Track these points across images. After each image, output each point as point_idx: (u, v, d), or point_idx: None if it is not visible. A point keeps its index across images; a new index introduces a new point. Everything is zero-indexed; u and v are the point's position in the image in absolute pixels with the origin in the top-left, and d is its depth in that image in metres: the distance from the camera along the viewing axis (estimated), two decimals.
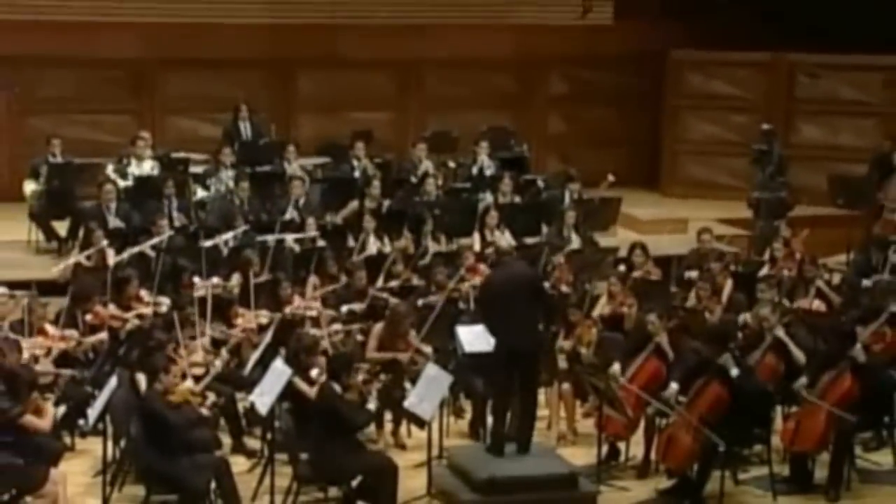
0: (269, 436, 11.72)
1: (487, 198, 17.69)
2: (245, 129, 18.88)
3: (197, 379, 11.81)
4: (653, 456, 12.18)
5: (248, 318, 13.64)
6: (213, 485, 10.94)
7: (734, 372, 11.71)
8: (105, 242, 15.34)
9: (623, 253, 16.11)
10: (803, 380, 12.27)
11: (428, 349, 13.07)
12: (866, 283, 15.64)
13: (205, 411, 11.30)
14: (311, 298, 14.26)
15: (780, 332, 12.74)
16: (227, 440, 12.32)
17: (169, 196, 16.83)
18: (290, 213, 16.82)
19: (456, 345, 12.90)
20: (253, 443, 12.50)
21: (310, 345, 12.11)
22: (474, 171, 18.56)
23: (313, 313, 13.91)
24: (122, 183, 17.15)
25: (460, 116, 20.29)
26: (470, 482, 11.36)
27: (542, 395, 12.32)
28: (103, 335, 13.33)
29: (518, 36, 21.34)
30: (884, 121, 20.51)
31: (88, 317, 13.51)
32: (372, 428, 12.38)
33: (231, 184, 17.39)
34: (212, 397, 11.64)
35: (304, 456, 11.21)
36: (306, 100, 20.93)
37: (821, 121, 21.12)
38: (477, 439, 12.79)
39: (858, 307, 13.66)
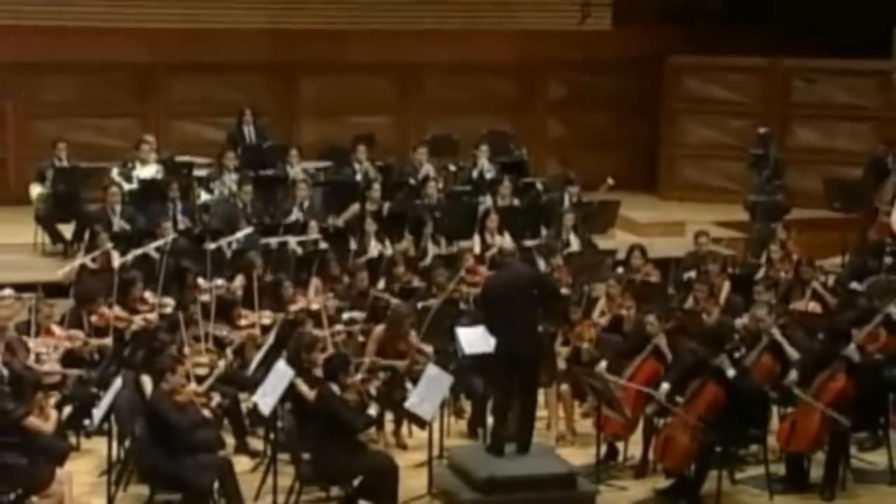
0: (271, 436, 11.81)
1: (487, 201, 17.70)
2: (249, 133, 18.87)
3: (200, 380, 11.87)
4: (651, 456, 12.20)
5: (252, 319, 13.75)
6: (216, 484, 10.99)
7: (730, 373, 11.76)
8: (110, 245, 15.36)
9: (622, 255, 16.13)
10: (793, 375, 12.31)
11: (429, 349, 13.10)
12: (855, 285, 15.66)
13: (208, 412, 11.36)
14: (315, 302, 14.32)
15: (777, 334, 12.79)
16: (230, 440, 12.33)
17: (173, 199, 16.85)
18: (296, 215, 16.86)
19: (456, 346, 12.93)
20: (256, 443, 12.54)
21: (310, 343, 12.14)
22: (474, 174, 18.55)
23: (316, 306, 13.99)
24: (126, 186, 17.16)
25: (461, 120, 20.25)
26: (470, 482, 11.41)
27: (541, 396, 12.34)
28: (108, 340, 13.33)
29: (518, 41, 21.33)
30: (878, 125, 20.49)
31: (93, 318, 13.55)
32: (373, 428, 12.39)
33: (234, 187, 17.36)
34: (216, 398, 11.71)
35: (305, 456, 11.25)
36: (308, 104, 20.93)
37: (816, 125, 21.13)
38: (475, 439, 12.87)
39: (854, 309, 13.71)
